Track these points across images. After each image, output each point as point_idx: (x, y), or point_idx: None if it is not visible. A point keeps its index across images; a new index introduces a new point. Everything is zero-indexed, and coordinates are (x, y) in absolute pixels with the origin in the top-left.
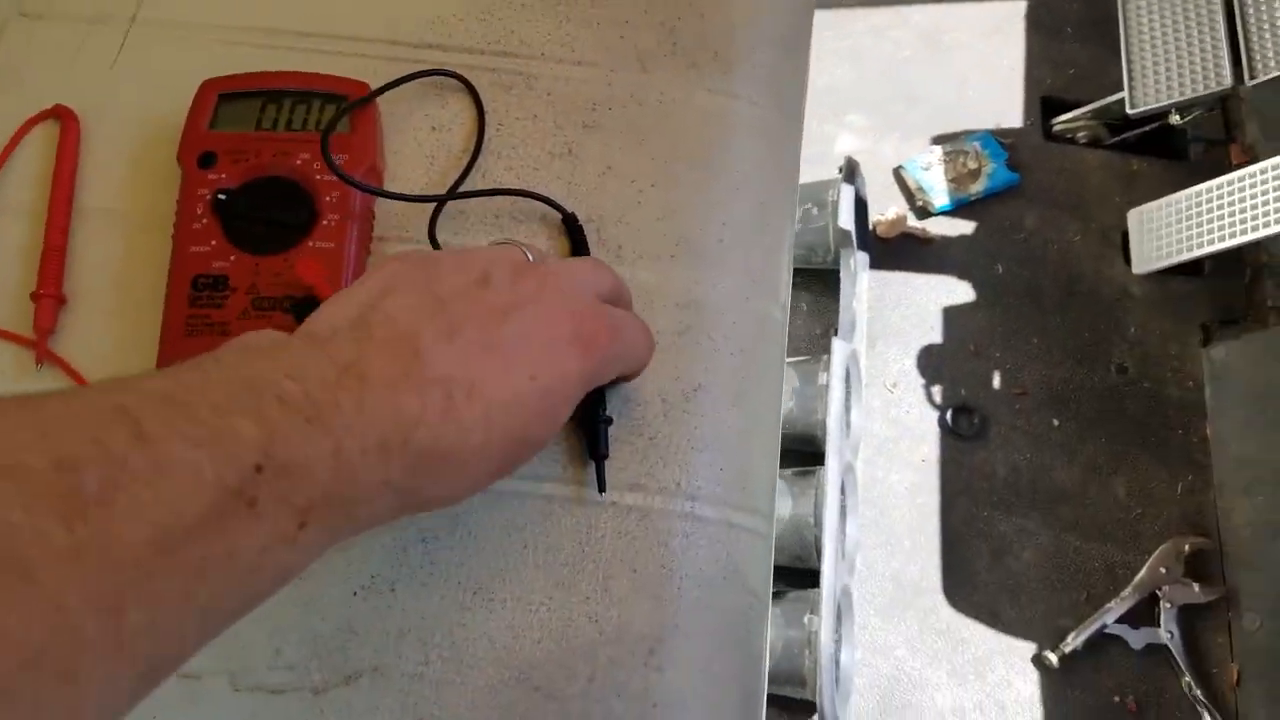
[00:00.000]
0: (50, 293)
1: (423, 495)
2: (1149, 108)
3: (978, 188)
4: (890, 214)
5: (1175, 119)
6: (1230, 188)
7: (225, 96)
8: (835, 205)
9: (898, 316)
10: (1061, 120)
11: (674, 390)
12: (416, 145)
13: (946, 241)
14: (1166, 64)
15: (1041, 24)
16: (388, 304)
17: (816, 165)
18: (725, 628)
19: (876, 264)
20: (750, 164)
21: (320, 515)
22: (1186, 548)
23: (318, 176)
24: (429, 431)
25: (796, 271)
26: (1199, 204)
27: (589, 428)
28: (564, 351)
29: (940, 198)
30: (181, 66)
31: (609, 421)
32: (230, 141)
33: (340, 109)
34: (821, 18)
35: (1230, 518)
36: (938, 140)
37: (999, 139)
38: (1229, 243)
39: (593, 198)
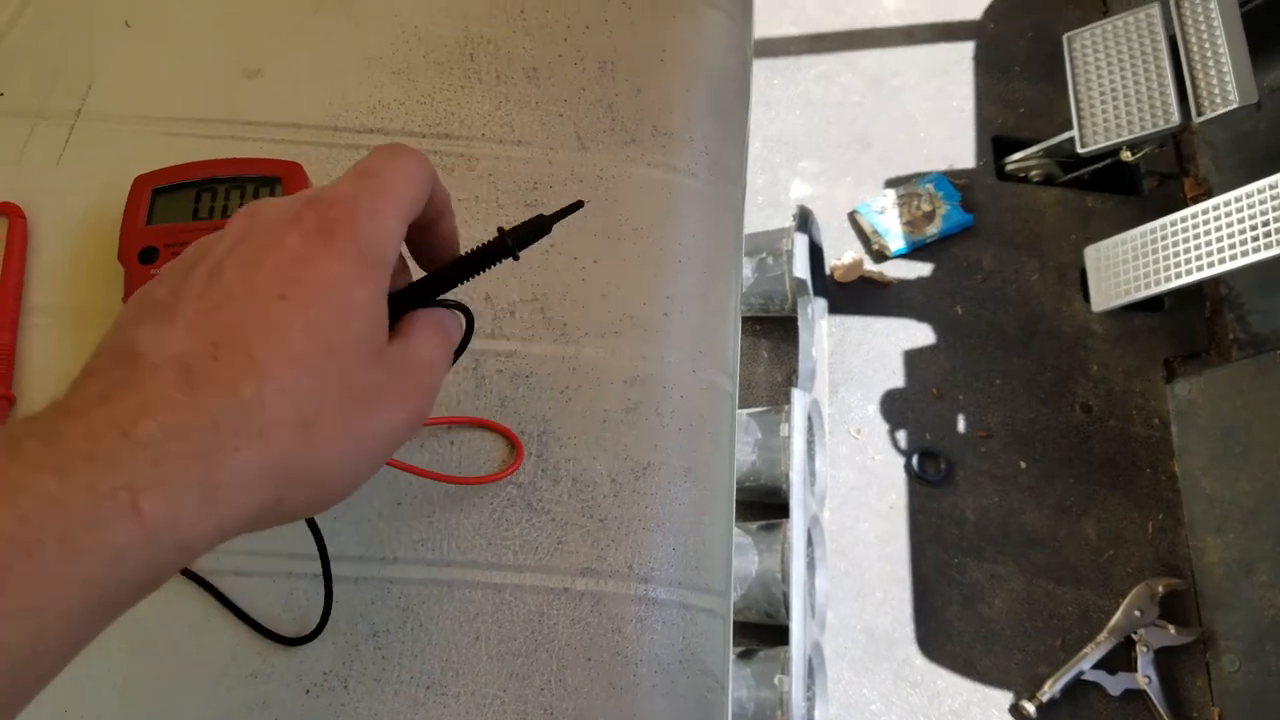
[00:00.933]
0: (1, 393)
1: (228, 466)
2: (1099, 146)
3: (933, 230)
4: (846, 258)
5: (1127, 155)
6: (1185, 224)
7: (159, 191)
8: (790, 254)
9: (859, 361)
10: (1014, 159)
11: (623, 469)
12: None
13: (905, 284)
14: (1114, 102)
15: (989, 63)
16: (112, 335)
17: (770, 211)
18: (684, 713)
19: (835, 308)
20: (692, 235)
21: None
22: (1160, 589)
23: None
24: (168, 408)
25: (756, 320)
26: (1155, 240)
27: (470, 267)
28: (306, 253)
29: (896, 241)
30: (125, 160)
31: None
32: (169, 234)
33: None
34: (771, 66)
35: (1203, 557)
36: (891, 183)
37: (952, 180)
38: (1187, 279)
39: (537, 275)
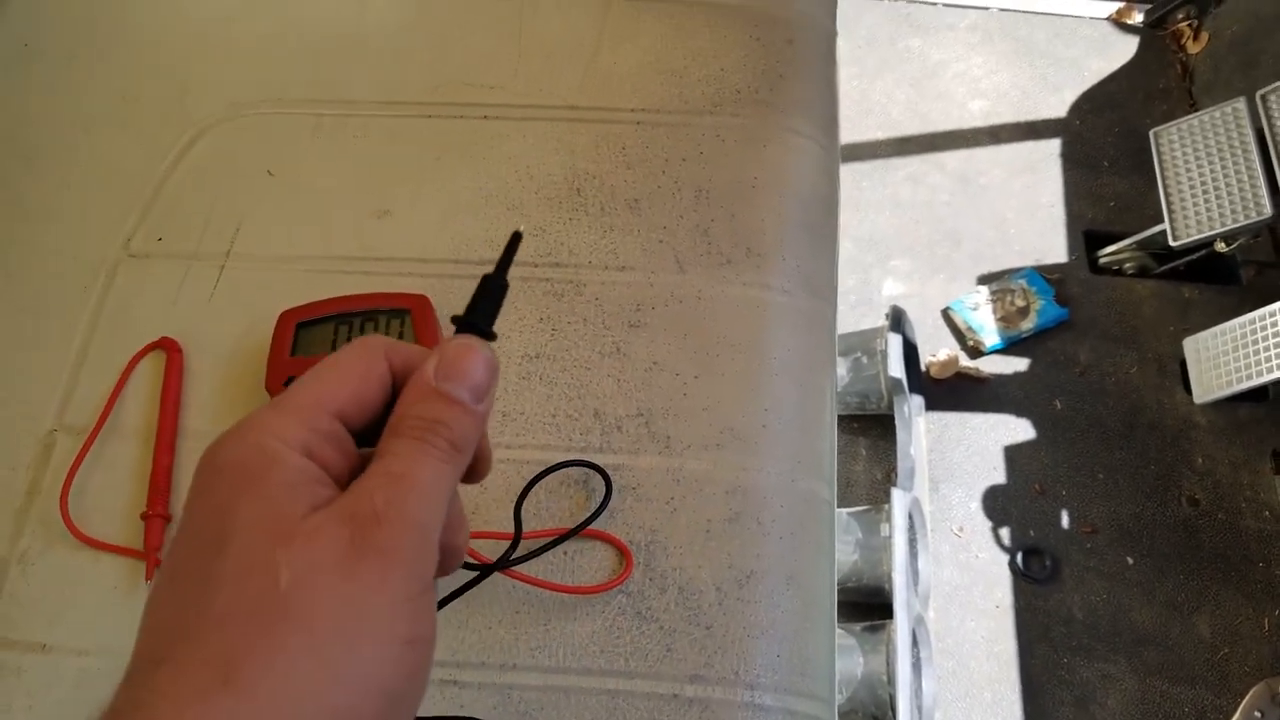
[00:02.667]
0: (158, 512)
1: None
2: (1191, 240)
3: (1028, 325)
4: (942, 355)
5: (1221, 246)
6: None
7: (302, 325)
8: (884, 354)
9: (959, 457)
10: (1107, 252)
11: (728, 578)
12: None
13: (1002, 380)
14: (1205, 195)
15: (1076, 159)
16: None
17: (863, 310)
18: None
19: (932, 405)
20: (787, 349)
21: None
22: None
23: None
24: None
25: (853, 418)
26: (1257, 330)
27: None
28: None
29: (991, 337)
30: (270, 296)
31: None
32: (311, 365)
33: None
34: (859, 169)
35: None
36: (983, 280)
37: (1045, 275)
38: None
39: (641, 392)
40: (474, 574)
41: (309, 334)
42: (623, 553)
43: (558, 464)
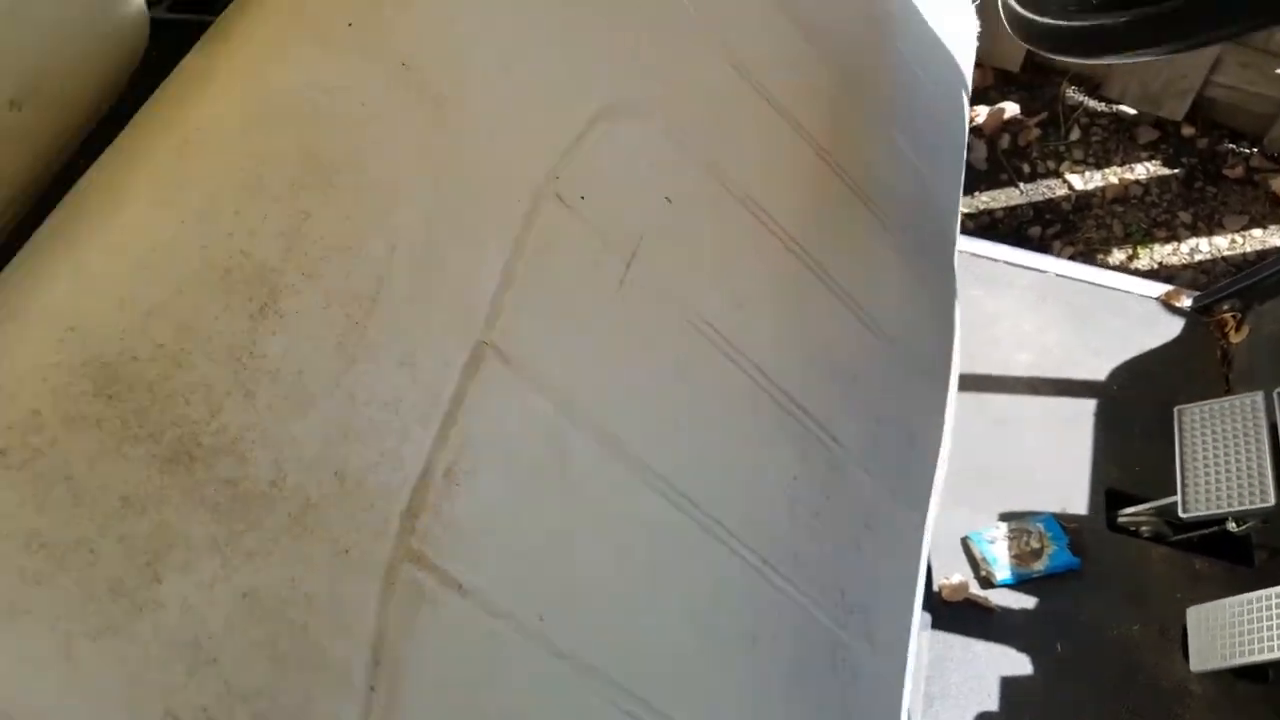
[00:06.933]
0: None
1: None
2: (1199, 515)
3: (1039, 566)
4: (954, 579)
5: (1233, 526)
6: None
7: None
8: None
9: (957, 679)
10: (1125, 513)
11: None
12: None
13: (1008, 613)
14: (1216, 476)
15: (1110, 421)
16: None
17: None
18: None
19: (939, 624)
20: None
21: None
22: None
23: None
24: None
25: None
26: (1261, 609)
27: None
28: None
29: (1003, 571)
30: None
31: None
32: None
33: None
34: None
35: None
36: (1004, 517)
37: (1063, 523)
38: None
39: None
40: None
41: None
42: None
43: None
